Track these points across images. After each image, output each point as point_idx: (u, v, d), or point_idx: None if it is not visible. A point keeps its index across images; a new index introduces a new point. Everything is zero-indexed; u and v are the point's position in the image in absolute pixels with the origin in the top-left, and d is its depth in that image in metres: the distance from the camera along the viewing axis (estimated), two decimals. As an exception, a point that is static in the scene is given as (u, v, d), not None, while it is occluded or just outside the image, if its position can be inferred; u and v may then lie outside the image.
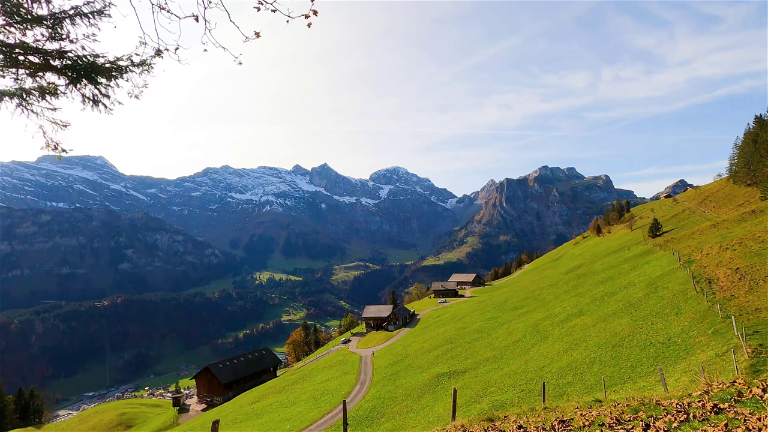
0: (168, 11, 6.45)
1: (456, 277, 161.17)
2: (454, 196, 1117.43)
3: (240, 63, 7.28)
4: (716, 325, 24.02)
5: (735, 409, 7.10)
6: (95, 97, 7.38)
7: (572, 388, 24.98)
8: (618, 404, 9.20)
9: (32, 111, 7.15)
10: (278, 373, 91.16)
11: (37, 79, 7.00)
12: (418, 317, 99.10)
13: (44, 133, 7.45)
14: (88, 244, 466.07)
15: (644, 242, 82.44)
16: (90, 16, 6.68)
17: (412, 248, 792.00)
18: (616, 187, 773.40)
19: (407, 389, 40.56)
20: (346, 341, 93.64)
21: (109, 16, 6.80)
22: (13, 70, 6.72)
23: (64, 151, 7.87)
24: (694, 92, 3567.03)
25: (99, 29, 6.81)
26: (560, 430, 7.92)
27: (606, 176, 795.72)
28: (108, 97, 7.44)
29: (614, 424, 7.51)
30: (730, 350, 18.97)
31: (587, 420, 8.09)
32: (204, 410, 70.64)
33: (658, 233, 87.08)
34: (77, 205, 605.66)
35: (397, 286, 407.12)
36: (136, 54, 7.19)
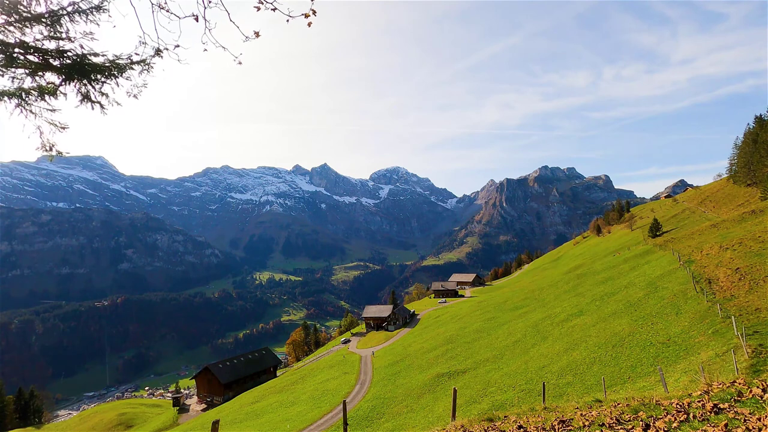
0: (168, 11, 6.44)
1: (456, 277, 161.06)
2: (454, 196, 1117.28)
3: (240, 63, 7.27)
4: (716, 325, 24.00)
5: (735, 409, 7.09)
6: (94, 96, 7.35)
7: (572, 388, 24.97)
8: (618, 404, 9.19)
9: (30, 111, 7.09)
10: (278, 373, 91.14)
11: (36, 78, 6.96)
12: (418, 317, 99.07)
13: (41, 133, 7.40)
14: (88, 244, 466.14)
15: (644, 242, 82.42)
16: (88, 12, 6.65)
17: (412, 248, 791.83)
18: (616, 187, 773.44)
19: (407, 389, 40.54)
20: (346, 341, 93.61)
21: (107, 11, 6.75)
22: (12, 69, 6.68)
23: (59, 153, 7.79)
24: (695, 91, 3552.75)
25: (98, 24, 6.76)
26: (560, 430, 7.91)
27: (606, 176, 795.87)
28: (107, 96, 7.40)
29: (614, 424, 7.50)
30: (730, 350, 18.96)
31: (587, 420, 8.08)
32: (204, 410, 70.63)
33: (658, 233, 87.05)
34: (77, 205, 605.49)
35: (397, 286, 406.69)
36: (136, 54, 7.16)
